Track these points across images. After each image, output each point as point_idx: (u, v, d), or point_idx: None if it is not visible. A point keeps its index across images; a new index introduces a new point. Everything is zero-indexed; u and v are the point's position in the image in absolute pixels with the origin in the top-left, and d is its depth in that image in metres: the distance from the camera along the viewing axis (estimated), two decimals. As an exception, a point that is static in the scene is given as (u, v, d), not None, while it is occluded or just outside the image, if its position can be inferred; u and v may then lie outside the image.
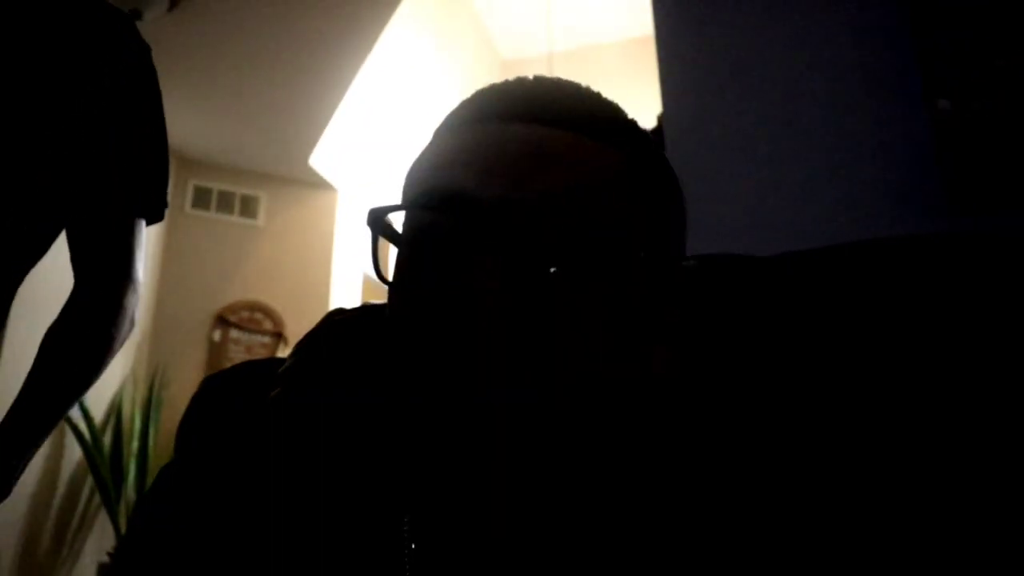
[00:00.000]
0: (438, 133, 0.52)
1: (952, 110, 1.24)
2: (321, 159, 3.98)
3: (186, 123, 3.62)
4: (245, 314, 3.97)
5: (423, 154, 0.51)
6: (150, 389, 3.49)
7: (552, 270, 0.45)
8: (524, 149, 0.47)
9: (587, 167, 0.48)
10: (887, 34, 1.35)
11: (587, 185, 0.47)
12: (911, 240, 0.59)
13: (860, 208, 1.30)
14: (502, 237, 0.45)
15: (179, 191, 4.00)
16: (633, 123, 0.54)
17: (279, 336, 3.98)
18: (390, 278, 0.50)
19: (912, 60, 1.29)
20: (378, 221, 0.50)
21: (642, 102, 1.77)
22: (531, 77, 0.53)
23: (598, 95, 0.54)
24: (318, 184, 4.21)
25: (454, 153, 0.49)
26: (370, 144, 4.15)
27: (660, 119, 1.55)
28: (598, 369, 0.47)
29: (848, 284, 0.58)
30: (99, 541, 3.24)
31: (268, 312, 4.01)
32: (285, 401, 0.53)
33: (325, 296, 4.08)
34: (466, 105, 0.52)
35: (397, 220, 0.51)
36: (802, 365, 0.56)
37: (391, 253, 0.53)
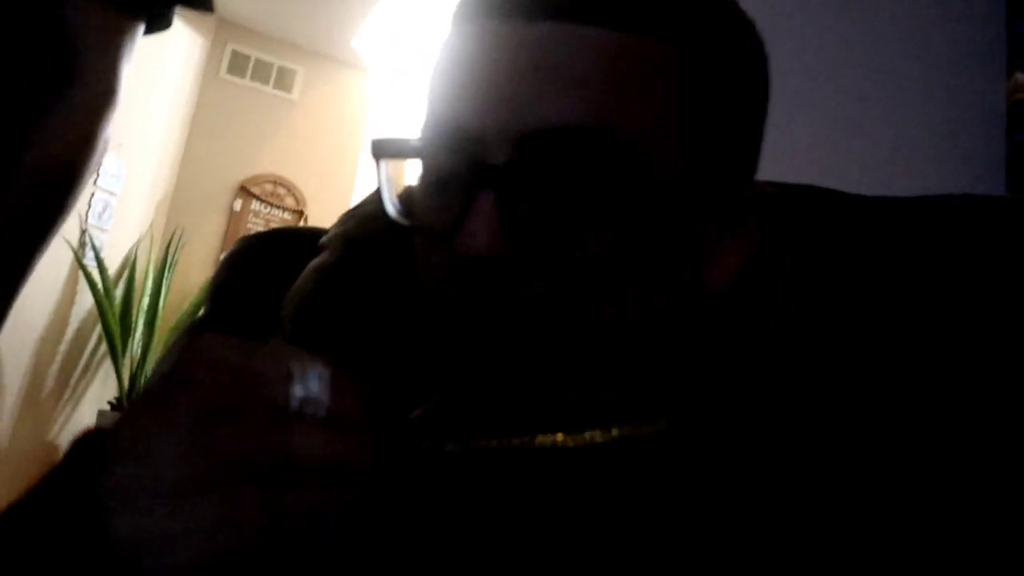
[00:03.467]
0: (450, 28, 0.45)
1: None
2: (363, 42, 3.88)
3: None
4: (268, 187, 3.95)
5: (436, 59, 0.45)
6: (166, 249, 3.49)
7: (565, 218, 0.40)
8: (533, 60, 0.40)
9: (615, 77, 0.40)
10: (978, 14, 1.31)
11: (610, 112, 0.40)
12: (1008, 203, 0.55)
13: (920, 170, 1.26)
14: (506, 179, 0.39)
15: (216, 53, 3.92)
16: (690, 8, 0.43)
17: (300, 214, 3.96)
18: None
19: (1002, 40, 1.26)
20: (384, 150, 0.45)
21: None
22: None
23: None
24: (356, 66, 4.12)
25: (456, 69, 0.42)
26: (412, 33, 4.04)
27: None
28: (628, 311, 0.42)
29: (956, 248, 0.54)
30: (101, 390, 3.30)
31: (291, 188, 3.97)
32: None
33: (350, 181, 4.04)
34: None
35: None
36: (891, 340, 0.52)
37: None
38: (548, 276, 0.40)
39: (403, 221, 0.45)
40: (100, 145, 0.91)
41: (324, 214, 3.78)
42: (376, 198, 0.60)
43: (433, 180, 0.43)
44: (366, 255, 0.58)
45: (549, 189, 0.40)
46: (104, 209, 3.15)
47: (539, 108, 0.39)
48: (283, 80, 4.07)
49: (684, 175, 0.42)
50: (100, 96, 0.89)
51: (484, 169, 0.40)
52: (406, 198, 0.45)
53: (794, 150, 1.32)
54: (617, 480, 0.42)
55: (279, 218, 3.95)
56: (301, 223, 3.94)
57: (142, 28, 0.92)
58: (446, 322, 0.41)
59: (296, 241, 0.60)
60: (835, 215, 0.58)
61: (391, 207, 0.45)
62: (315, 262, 0.57)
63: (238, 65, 3.99)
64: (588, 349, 0.41)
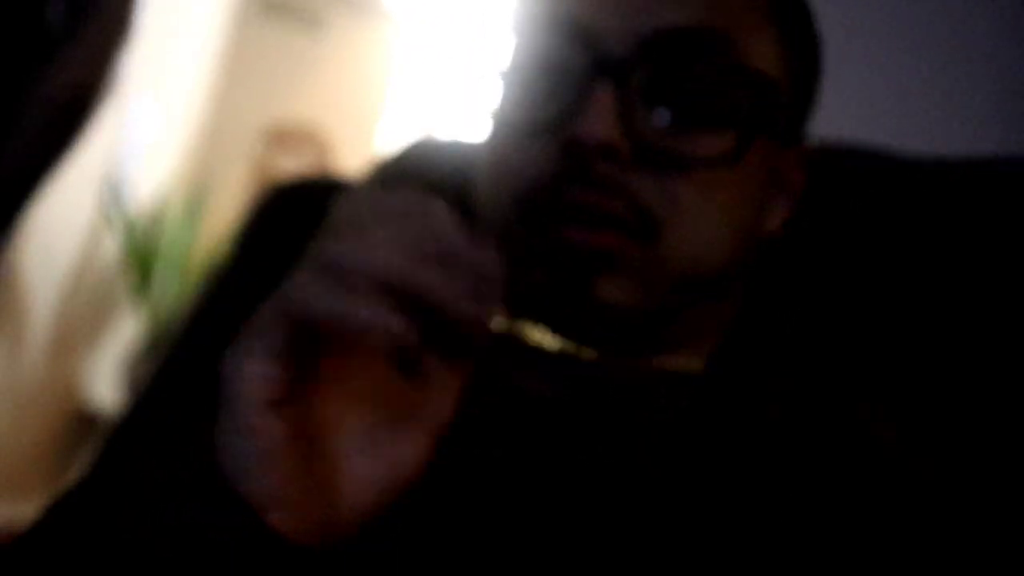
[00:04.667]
0: None
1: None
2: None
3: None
4: (294, 136, 3.93)
5: None
6: (194, 194, 3.49)
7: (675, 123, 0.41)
8: None
9: (729, 4, 0.43)
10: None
11: (727, 25, 0.42)
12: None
13: (964, 123, 1.24)
14: (627, 75, 0.40)
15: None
16: None
17: (324, 162, 3.95)
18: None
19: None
20: (484, 50, 0.45)
21: None
22: None
23: None
24: (384, 16, 4.08)
25: None
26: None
27: None
28: (717, 238, 0.42)
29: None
30: (127, 334, 3.33)
31: (315, 138, 3.96)
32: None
33: (373, 131, 4.03)
34: None
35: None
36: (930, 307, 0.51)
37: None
38: (663, 170, 0.41)
39: (497, 111, 0.45)
40: (113, 74, 0.93)
41: (349, 163, 3.77)
42: (405, 154, 0.60)
43: (535, 72, 0.43)
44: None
45: (668, 86, 0.41)
46: (131, 154, 3.15)
47: (659, 10, 0.41)
48: (314, 25, 4.04)
49: (789, 101, 0.45)
50: (115, 27, 0.89)
51: (604, 61, 0.40)
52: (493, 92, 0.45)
53: (839, 109, 1.29)
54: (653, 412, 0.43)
55: (306, 165, 3.94)
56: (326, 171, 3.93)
57: None
58: (552, 215, 0.41)
59: (324, 188, 0.59)
60: (875, 176, 0.59)
61: (487, 96, 0.45)
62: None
63: (268, 7, 3.95)
64: (685, 262, 0.42)
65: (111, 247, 3.14)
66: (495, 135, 0.45)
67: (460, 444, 0.36)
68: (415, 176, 0.58)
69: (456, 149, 0.57)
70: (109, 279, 3.20)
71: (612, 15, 0.41)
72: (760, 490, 0.40)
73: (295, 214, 0.56)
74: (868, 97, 1.28)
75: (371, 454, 0.33)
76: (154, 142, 3.27)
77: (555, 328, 0.44)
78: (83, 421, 3.00)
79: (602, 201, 0.40)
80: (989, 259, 0.51)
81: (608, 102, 0.39)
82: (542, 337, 0.44)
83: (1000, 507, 0.43)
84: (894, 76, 1.30)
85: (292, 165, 3.93)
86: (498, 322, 0.31)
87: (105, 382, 3.14)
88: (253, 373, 0.30)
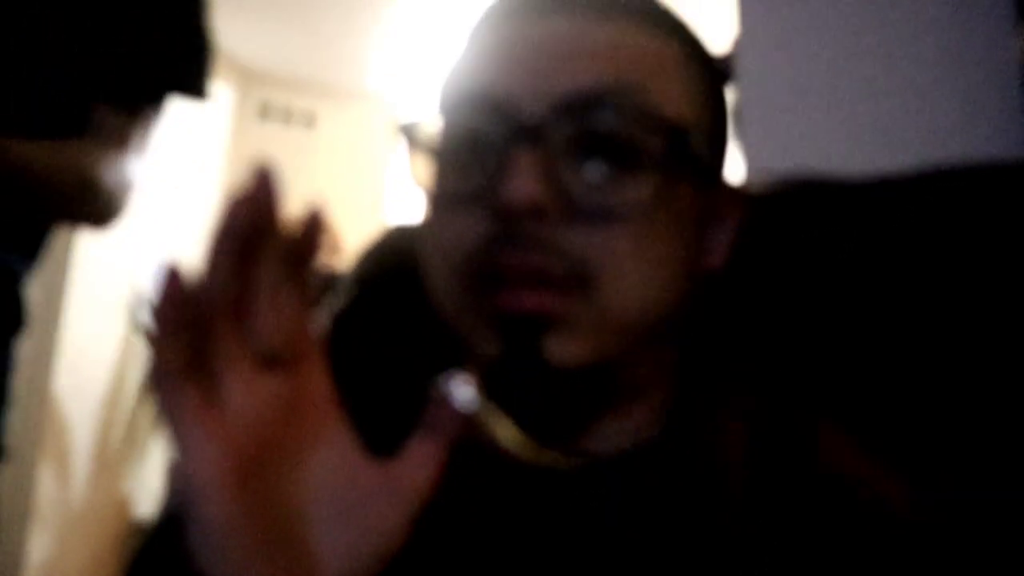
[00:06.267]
0: (476, 31, 0.48)
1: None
2: (378, 75, 3.94)
3: (250, 35, 3.60)
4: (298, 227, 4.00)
5: (461, 56, 0.48)
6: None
7: (599, 169, 0.42)
8: (566, 43, 0.44)
9: (638, 58, 0.44)
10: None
11: (638, 78, 0.43)
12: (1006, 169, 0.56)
13: (936, 133, 1.26)
14: (544, 136, 0.41)
15: (244, 103, 4.02)
16: (678, 17, 0.49)
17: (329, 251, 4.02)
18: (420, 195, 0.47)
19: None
20: (412, 132, 0.47)
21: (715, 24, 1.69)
22: None
23: None
24: (375, 100, 4.18)
25: (490, 52, 0.45)
26: (426, 59, 4.09)
27: (734, 44, 1.48)
28: (656, 280, 0.43)
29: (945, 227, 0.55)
30: (167, 445, 3.36)
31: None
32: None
33: (377, 213, 4.10)
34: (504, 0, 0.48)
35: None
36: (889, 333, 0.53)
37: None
38: (591, 222, 0.41)
39: (429, 189, 0.46)
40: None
41: (354, 248, 3.82)
42: (385, 235, 0.62)
43: (460, 147, 0.45)
44: (377, 293, 0.60)
45: (585, 142, 0.42)
46: (154, 266, 3.22)
47: (569, 72, 0.43)
48: (306, 121, 4.16)
49: (706, 142, 0.46)
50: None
51: (521, 127, 0.42)
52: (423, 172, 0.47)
53: (807, 112, 1.32)
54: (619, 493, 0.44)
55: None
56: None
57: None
58: (490, 281, 0.42)
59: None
60: (815, 208, 0.60)
61: (415, 181, 0.47)
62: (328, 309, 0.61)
63: (264, 111, 4.09)
64: (627, 309, 0.42)
65: (142, 361, 3.20)
66: (431, 211, 0.46)
67: (440, 514, 0.37)
68: (393, 262, 0.61)
69: (402, 237, 0.59)
70: (143, 395, 3.26)
71: (525, 83, 0.43)
72: (732, 548, 0.41)
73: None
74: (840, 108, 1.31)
75: (345, 526, 0.33)
76: (171, 253, 3.34)
77: (519, 420, 0.45)
78: (132, 535, 3.03)
79: (535, 260, 0.41)
80: (931, 266, 0.53)
81: (529, 164, 0.40)
82: (506, 435, 0.45)
83: (966, 524, 0.44)
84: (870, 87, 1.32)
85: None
86: (473, 407, 0.33)
87: (151, 494, 3.18)
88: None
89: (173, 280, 0.33)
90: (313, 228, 0.35)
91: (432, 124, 0.46)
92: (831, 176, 0.60)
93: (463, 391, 0.33)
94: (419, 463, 0.33)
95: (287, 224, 0.35)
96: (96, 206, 0.96)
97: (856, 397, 0.51)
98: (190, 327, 0.32)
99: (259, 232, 0.33)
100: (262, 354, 0.34)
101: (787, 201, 0.58)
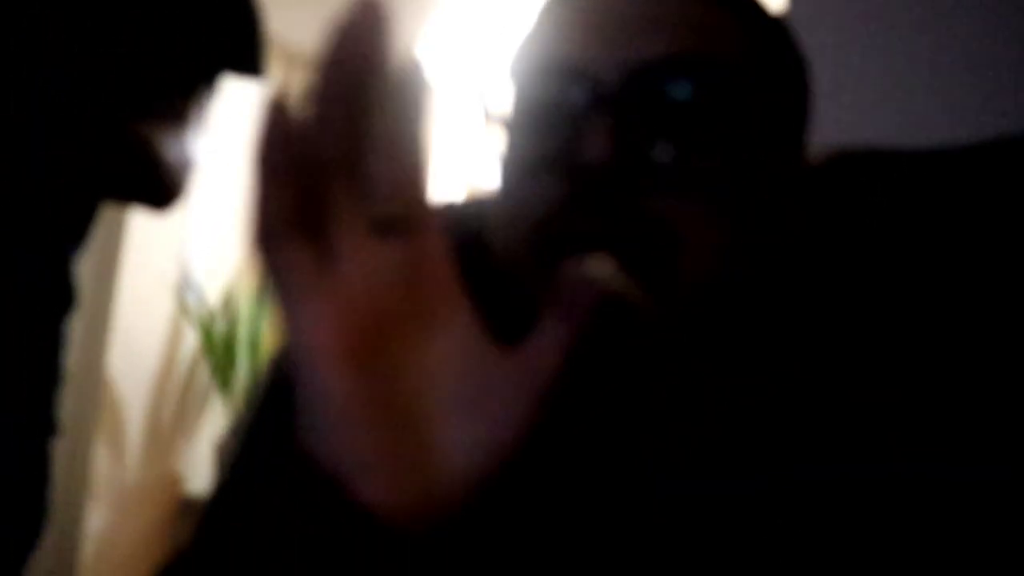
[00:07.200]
0: (549, 2, 0.49)
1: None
2: (423, 57, 3.93)
3: (297, 19, 3.62)
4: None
5: (535, 26, 0.48)
6: (259, 280, 3.59)
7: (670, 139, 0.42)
8: (639, 12, 0.44)
9: (711, 28, 0.45)
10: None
11: (710, 48, 0.44)
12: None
13: (998, 103, 1.22)
14: (621, 103, 0.42)
15: (293, 87, 4.04)
16: None
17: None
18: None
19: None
20: (485, 101, 0.47)
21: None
22: None
23: None
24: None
25: (566, 22, 0.46)
26: (473, 43, 4.08)
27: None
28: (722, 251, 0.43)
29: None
30: (218, 420, 3.43)
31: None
32: None
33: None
34: None
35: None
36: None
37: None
38: (669, 189, 0.42)
39: (502, 159, 0.46)
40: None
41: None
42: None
43: (535, 115, 0.45)
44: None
45: (662, 110, 0.43)
46: (200, 250, 3.28)
47: (644, 40, 0.43)
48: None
49: (778, 112, 0.47)
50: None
51: (599, 93, 0.42)
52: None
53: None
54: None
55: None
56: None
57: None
58: (564, 246, 0.41)
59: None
60: (877, 178, 0.59)
61: (494, 141, 0.47)
62: None
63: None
64: (703, 275, 0.42)
65: (191, 340, 3.26)
66: (504, 177, 0.47)
67: (567, 400, 0.34)
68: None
69: (473, 206, 0.59)
70: (193, 371, 3.32)
71: (601, 51, 0.43)
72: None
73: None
74: (866, 92, 1.28)
75: (469, 415, 0.30)
76: (222, 234, 3.39)
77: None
78: (185, 511, 3.10)
79: (612, 226, 0.41)
80: (992, 237, 0.52)
81: (607, 129, 0.40)
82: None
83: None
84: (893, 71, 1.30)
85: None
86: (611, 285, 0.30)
87: (202, 471, 3.25)
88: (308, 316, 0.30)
89: (278, 116, 0.29)
90: (419, 79, 0.32)
91: (506, 94, 0.47)
92: (892, 147, 0.60)
93: (601, 269, 0.31)
94: (548, 347, 0.30)
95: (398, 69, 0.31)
96: (159, 186, 0.97)
97: (908, 368, 0.49)
98: (298, 176, 0.29)
99: (369, 69, 0.30)
100: (377, 220, 0.31)
101: (848, 171, 0.57)
